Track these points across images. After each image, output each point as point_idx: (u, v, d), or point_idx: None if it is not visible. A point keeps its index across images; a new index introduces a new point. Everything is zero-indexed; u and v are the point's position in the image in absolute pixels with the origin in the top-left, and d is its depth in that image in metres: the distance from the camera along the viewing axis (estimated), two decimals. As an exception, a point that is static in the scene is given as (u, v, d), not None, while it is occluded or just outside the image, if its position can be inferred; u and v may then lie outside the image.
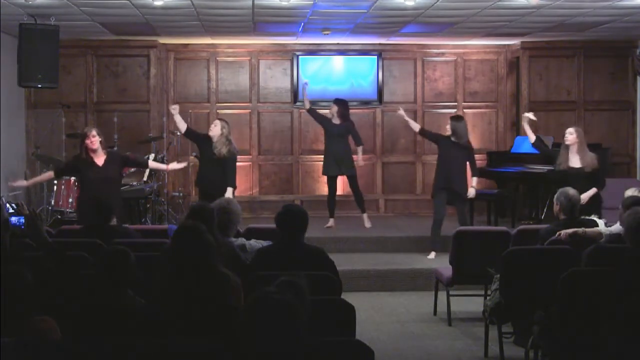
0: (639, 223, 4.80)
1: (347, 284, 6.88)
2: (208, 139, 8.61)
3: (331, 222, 10.17)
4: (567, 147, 8.18)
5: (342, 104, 10.10)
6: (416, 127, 9.47)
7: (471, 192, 9.06)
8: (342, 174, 10.10)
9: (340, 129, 10.01)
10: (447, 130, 9.04)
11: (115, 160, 7.88)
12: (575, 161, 8.09)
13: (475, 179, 9.09)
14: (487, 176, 11.10)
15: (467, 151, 9.06)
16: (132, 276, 4.13)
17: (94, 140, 7.74)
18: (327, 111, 10.26)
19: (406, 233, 9.99)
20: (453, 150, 8.96)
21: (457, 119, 9.16)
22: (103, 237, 5.72)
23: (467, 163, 9.06)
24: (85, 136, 7.82)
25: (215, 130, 8.56)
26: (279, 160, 11.99)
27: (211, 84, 12.04)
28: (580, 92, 11.94)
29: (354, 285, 8.02)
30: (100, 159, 7.76)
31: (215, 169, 8.52)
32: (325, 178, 10.53)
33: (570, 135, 8.20)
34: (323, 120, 10.11)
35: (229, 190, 8.45)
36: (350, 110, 10.29)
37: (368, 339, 5.73)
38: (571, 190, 6.15)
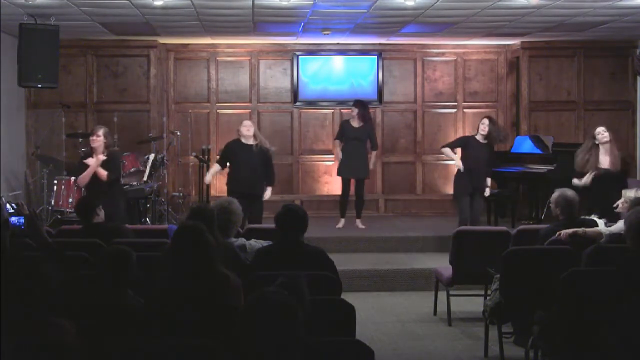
0: (639, 223, 4.80)
1: (347, 284, 6.89)
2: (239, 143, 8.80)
3: (342, 222, 10.18)
4: (598, 146, 8.14)
5: (361, 105, 10.12)
6: (458, 163, 9.21)
7: (487, 192, 9.21)
8: (356, 177, 10.08)
9: (358, 132, 10.04)
10: (482, 129, 9.06)
11: (109, 161, 8.02)
12: (604, 162, 8.09)
13: (489, 179, 9.22)
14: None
15: (492, 151, 9.18)
16: (133, 276, 4.13)
17: (94, 139, 7.97)
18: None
19: (406, 233, 9.99)
20: (480, 151, 9.04)
21: (493, 121, 9.22)
22: (103, 237, 5.72)
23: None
24: (91, 133, 8.09)
25: (252, 130, 8.77)
26: (278, 160, 11.93)
27: (211, 84, 12.05)
28: (580, 92, 11.93)
29: (354, 285, 8.02)
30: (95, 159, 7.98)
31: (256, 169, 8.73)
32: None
33: (605, 133, 8.16)
34: (343, 130, 10.13)
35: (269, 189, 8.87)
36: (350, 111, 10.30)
37: (368, 339, 5.75)
38: (569, 192, 6.14)
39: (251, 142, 8.75)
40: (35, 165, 11.01)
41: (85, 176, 8.01)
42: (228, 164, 8.93)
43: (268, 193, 8.87)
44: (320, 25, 10.07)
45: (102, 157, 7.98)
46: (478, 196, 9.12)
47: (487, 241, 6.96)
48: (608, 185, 7.94)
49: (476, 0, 8.42)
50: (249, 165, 8.67)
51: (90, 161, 8.04)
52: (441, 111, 12.19)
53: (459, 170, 9.20)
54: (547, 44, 11.70)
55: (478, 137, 9.12)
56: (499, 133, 9.17)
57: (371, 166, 10.28)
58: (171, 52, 11.97)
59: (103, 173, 7.98)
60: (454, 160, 9.31)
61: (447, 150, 9.34)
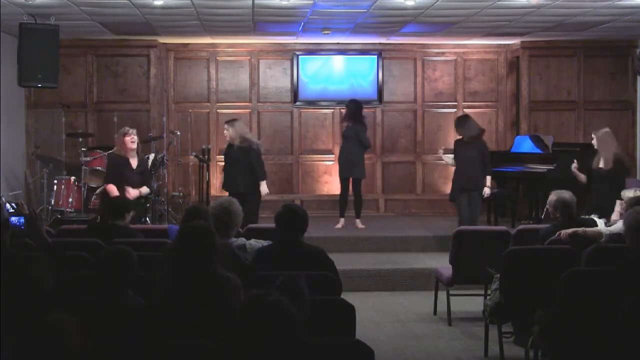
0: (638, 222, 4.81)
1: (347, 284, 6.87)
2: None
3: (341, 222, 10.17)
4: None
5: (351, 105, 10.12)
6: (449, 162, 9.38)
7: (486, 192, 9.15)
8: (351, 176, 10.07)
9: (347, 131, 10.05)
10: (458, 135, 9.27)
11: (143, 166, 8.49)
12: (597, 162, 8.17)
13: (488, 177, 9.17)
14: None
15: (482, 149, 9.16)
16: (133, 276, 4.12)
17: (134, 139, 8.33)
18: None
19: (406, 233, 9.99)
20: (468, 150, 9.08)
21: (460, 121, 9.27)
22: (103, 237, 5.72)
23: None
24: (125, 133, 8.33)
25: (228, 132, 8.88)
26: (279, 160, 11.99)
27: (211, 83, 12.05)
28: (580, 92, 11.94)
29: (354, 285, 8.01)
30: (134, 161, 8.34)
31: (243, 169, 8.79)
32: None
33: (594, 136, 8.34)
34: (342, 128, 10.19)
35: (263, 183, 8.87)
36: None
37: (368, 339, 5.73)
38: (565, 193, 6.14)
39: (236, 142, 8.83)
40: (35, 165, 11.01)
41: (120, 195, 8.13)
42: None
43: (264, 188, 8.87)
44: (320, 25, 10.07)
45: (145, 191, 8.38)
46: (475, 195, 9.10)
47: (487, 241, 6.96)
48: (603, 185, 7.99)
49: (476, 0, 8.43)
50: (234, 165, 8.82)
51: (132, 193, 8.19)
52: (441, 111, 12.19)
53: (455, 170, 9.23)
54: (547, 43, 11.70)
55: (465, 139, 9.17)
56: (470, 128, 9.19)
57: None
58: (171, 52, 11.97)
59: (145, 191, 8.44)
60: (450, 161, 9.34)
61: (448, 157, 9.36)
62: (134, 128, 11.22)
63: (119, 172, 8.33)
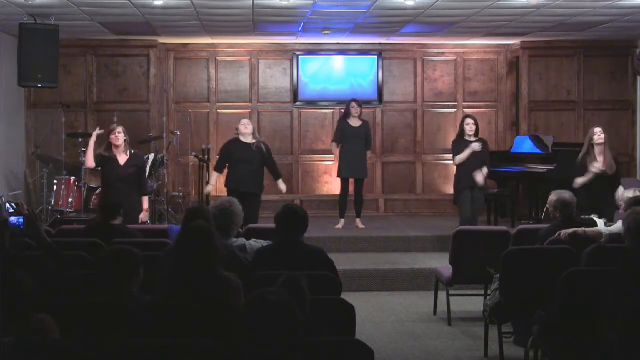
0: (638, 223, 4.81)
1: (347, 284, 6.89)
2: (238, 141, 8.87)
3: (342, 223, 10.16)
4: (593, 147, 8.22)
5: (361, 104, 10.17)
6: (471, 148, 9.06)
7: (480, 178, 9.02)
8: (356, 176, 10.05)
9: (360, 130, 10.03)
10: (470, 130, 9.08)
11: (136, 163, 7.99)
12: (600, 163, 8.15)
13: (485, 168, 9.12)
14: (487, 176, 11.09)
15: (486, 147, 9.17)
16: (138, 277, 4.08)
17: (119, 136, 7.84)
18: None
19: (406, 233, 9.99)
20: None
21: (473, 117, 9.28)
22: (104, 237, 5.71)
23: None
24: (110, 132, 7.91)
25: (250, 128, 8.84)
26: (279, 160, 11.87)
27: (211, 83, 12.05)
28: (580, 92, 11.93)
29: (354, 285, 8.03)
30: (122, 158, 7.87)
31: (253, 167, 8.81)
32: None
33: (602, 135, 8.24)
34: (343, 128, 10.03)
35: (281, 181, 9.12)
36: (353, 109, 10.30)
37: (368, 339, 5.75)
38: (566, 193, 6.14)
39: (250, 140, 8.80)
40: (35, 165, 11.01)
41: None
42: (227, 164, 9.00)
43: (283, 187, 9.15)
44: (320, 25, 10.07)
45: (145, 216, 8.04)
46: (478, 192, 9.09)
47: (487, 241, 6.96)
48: (603, 187, 7.99)
49: (476, 0, 8.43)
50: (248, 164, 8.75)
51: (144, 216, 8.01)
52: (441, 111, 12.20)
53: (457, 169, 9.19)
54: (547, 44, 11.70)
55: (467, 138, 9.10)
56: None
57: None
58: (171, 52, 11.97)
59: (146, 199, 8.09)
60: (468, 153, 9.02)
61: (460, 157, 9.07)
62: (134, 128, 11.30)
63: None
